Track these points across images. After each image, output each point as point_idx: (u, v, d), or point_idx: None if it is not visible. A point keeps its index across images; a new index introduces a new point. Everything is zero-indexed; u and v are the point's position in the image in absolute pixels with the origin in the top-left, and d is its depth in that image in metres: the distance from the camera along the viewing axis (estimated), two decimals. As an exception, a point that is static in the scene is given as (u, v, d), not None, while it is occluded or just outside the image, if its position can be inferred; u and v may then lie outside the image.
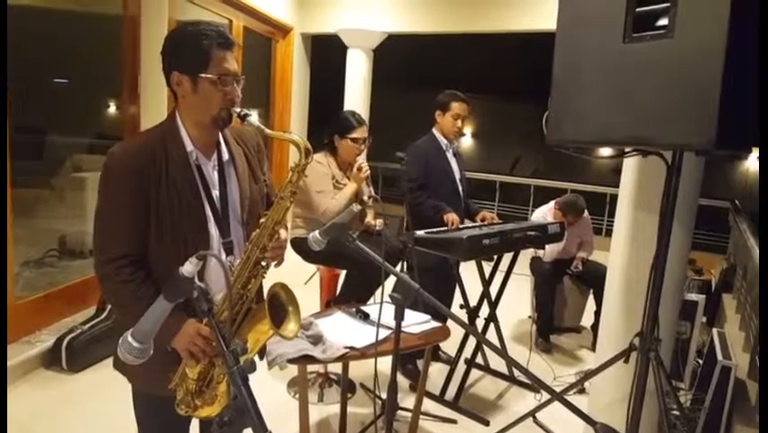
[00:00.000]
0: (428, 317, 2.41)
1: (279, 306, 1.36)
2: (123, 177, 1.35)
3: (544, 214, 4.15)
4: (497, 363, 3.47)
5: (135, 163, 1.35)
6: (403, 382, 3.19)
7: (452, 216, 3.06)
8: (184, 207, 1.39)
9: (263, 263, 1.42)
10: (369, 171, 2.86)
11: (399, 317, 1.62)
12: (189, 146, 1.42)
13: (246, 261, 1.40)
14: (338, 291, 3.13)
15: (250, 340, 1.41)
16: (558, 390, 2.12)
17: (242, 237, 1.51)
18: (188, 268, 1.08)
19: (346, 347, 2.08)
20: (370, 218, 3.01)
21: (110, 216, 1.37)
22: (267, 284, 1.42)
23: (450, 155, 3.35)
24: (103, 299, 3.37)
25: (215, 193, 1.46)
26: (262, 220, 1.41)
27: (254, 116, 1.40)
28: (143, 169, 1.35)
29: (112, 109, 4.60)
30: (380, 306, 1.93)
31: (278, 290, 1.36)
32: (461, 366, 3.10)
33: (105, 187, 1.37)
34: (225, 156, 1.50)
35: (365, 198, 2.87)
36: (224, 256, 1.46)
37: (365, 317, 2.35)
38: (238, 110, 1.40)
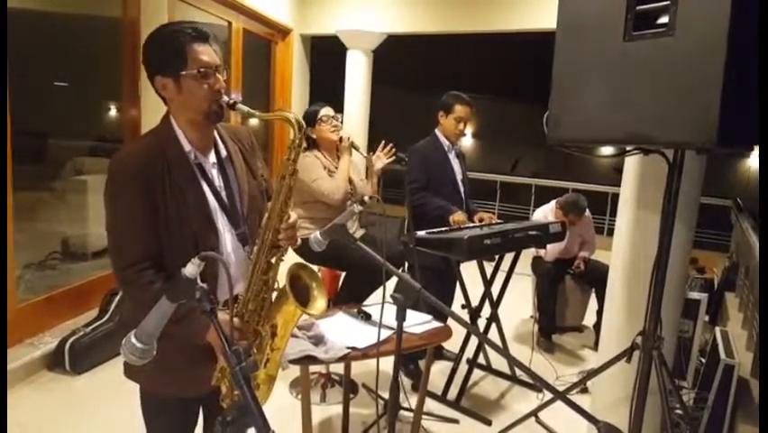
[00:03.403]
0: (430, 317, 2.41)
1: (302, 286, 1.37)
2: (128, 181, 1.35)
3: (546, 213, 4.14)
4: (499, 362, 3.47)
5: (139, 167, 1.35)
6: (405, 381, 3.19)
7: (457, 217, 3.05)
8: (190, 207, 1.40)
9: (279, 245, 1.43)
10: (352, 139, 2.93)
11: (401, 317, 1.62)
12: (187, 146, 1.43)
13: (261, 245, 1.41)
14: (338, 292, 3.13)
15: (279, 323, 1.42)
16: (560, 389, 2.12)
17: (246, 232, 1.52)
18: (190, 269, 1.08)
19: (348, 348, 2.08)
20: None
21: (123, 221, 1.37)
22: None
23: (452, 156, 3.34)
24: (105, 300, 3.37)
25: (220, 188, 1.47)
26: (269, 204, 1.42)
27: (246, 108, 1.40)
28: (147, 172, 1.35)
29: (112, 112, 4.61)
30: (382, 306, 1.92)
31: (297, 270, 1.36)
32: (463, 366, 3.10)
33: (112, 193, 1.37)
34: (223, 153, 1.51)
35: (366, 198, 2.86)
36: (239, 248, 1.48)
37: (367, 317, 2.35)
38: (226, 99, 1.39)
